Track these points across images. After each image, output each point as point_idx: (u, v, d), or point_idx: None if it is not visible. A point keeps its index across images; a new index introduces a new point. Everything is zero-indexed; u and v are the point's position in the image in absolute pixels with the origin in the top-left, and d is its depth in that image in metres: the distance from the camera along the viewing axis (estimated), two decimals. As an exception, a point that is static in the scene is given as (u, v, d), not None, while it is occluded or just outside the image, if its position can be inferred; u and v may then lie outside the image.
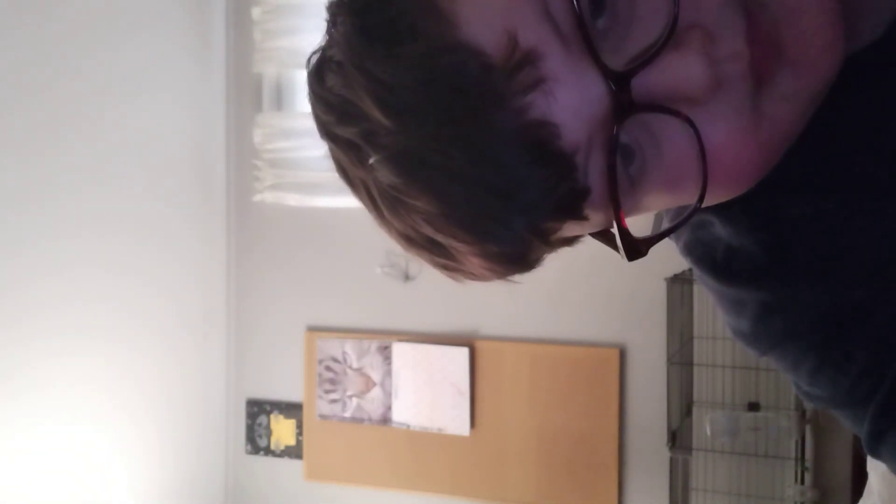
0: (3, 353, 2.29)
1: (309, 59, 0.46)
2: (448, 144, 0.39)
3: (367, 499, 3.01)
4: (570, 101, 0.39)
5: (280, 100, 3.16)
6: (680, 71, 0.39)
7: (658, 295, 2.43)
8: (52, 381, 2.43)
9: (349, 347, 2.99)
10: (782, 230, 0.52)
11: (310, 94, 0.46)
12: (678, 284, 2.36)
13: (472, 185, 0.40)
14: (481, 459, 2.84)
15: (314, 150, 2.93)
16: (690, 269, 0.59)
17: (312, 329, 3.06)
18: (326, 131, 0.45)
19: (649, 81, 0.39)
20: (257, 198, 3.05)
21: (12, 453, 2.32)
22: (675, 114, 0.40)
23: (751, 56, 0.40)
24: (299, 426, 3.09)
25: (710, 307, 2.34)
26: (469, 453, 2.85)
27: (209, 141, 3.10)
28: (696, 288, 2.38)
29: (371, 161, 0.42)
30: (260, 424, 3.15)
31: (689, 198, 0.43)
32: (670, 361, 2.39)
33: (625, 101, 0.39)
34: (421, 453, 2.91)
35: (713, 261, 0.57)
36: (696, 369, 2.44)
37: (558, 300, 2.69)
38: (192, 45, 3.03)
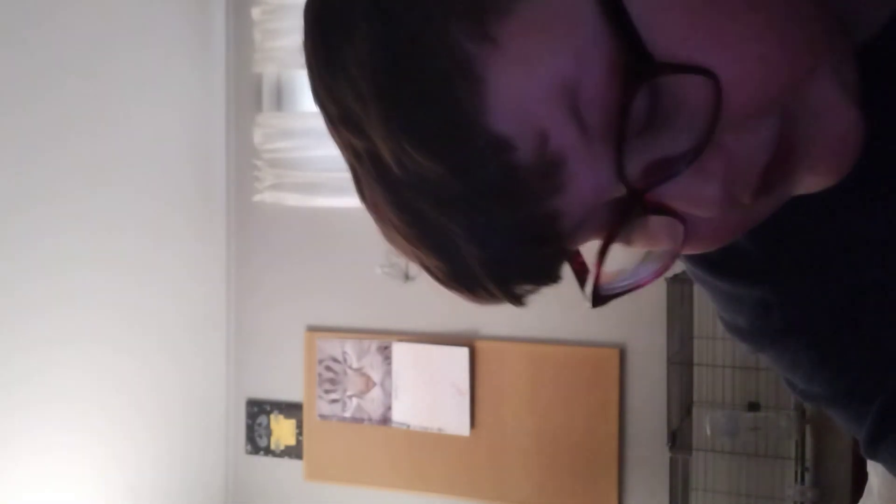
0: (2, 354, 2.29)
1: (308, 32, 0.44)
2: (450, 219, 0.40)
3: (367, 499, 3.01)
4: (582, 198, 0.39)
5: (280, 100, 3.16)
6: (696, 194, 0.40)
7: (658, 295, 2.43)
8: (52, 381, 2.43)
9: (349, 347, 2.99)
10: (779, 225, 0.52)
11: (312, 73, 0.44)
12: (678, 284, 2.36)
13: (463, 257, 0.41)
14: (481, 459, 2.84)
15: (314, 150, 2.93)
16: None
17: (312, 329, 3.06)
18: (329, 120, 0.44)
19: (664, 193, 0.40)
20: (257, 198, 3.05)
21: (13, 453, 2.32)
22: (675, 216, 0.41)
23: (760, 180, 0.41)
24: (299, 426, 3.09)
25: (710, 307, 2.33)
26: (469, 453, 2.85)
27: (209, 141, 3.10)
28: (696, 288, 2.37)
29: (376, 185, 0.42)
30: (260, 424, 3.15)
31: (662, 248, 0.45)
32: (670, 361, 2.39)
33: (636, 209, 0.40)
34: (421, 453, 2.91)
35: (709, 256, 0.57)
36: (696, 369, 2.44)
37: (558, 300, 2.68)
38: (192, 45, 3.03)
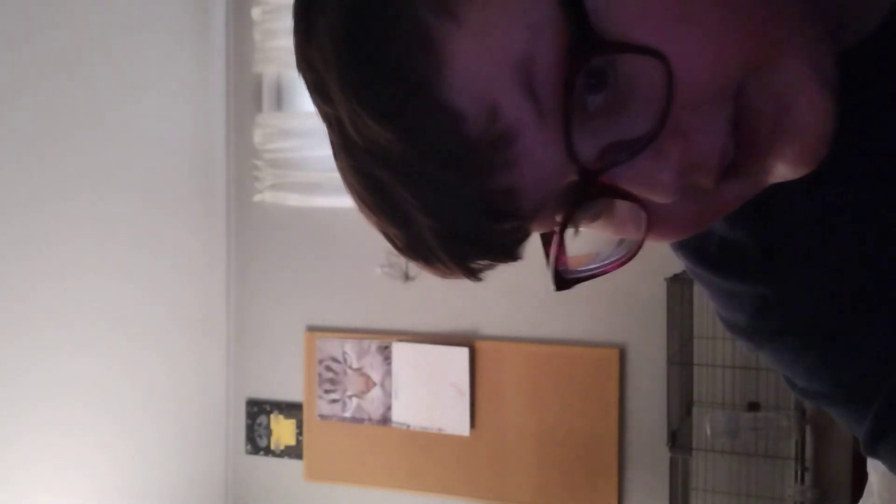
0: (3, 354, 2.29)
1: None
2: (403, 187, 0.40)
3: (367, 499, 3.01)
4: (537, 176, 0.40)
5: (280, 100, 3.17)
6: (651, 178, 0.39)
7: (658, 295, 2.43)
8: (52, 381, 2.43)
9: (349, 347, 2.99)
10: (779, 223, 0.52)
11: (295, 44, 0.45)
12: (678, 284, 2.36)
13: (419, 227, 0.42)
14: (481, 459, 2.84)
15: (314, 150, 2.93)
16: (690, 268, 0.59)
17: (312, 329, 3.06)
18: (308, 89, 0.45)
19: (619, 176, 0.40)
20: (257, 198, 3.05)
21: (13, 453, 2.32)
22: (633, 200, 0.41)
23: (721, 164, 0.40)
24: (299, 426, 3.09)
25: (710, 307, 2.33)
26: (469, 453, 2.85)
27: (209, 141, 3.10)
28: (696, 288, 2.38)
29: (341, 151, 0.43)
30: (260, 424, 3.15)
31: (629, 237, 0.45)
32: (670, 361, 2.39)
33: (590, 191, 0.40)
34: (421, 453, 2.91)
35: (707, 253, 0.57)
36: (696, 369, 2.45)
37: (558, 300, 2.69)
38: (192, 45, 3.03)
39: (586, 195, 0.40)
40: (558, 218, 0.42)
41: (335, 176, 0.47)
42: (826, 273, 0.52)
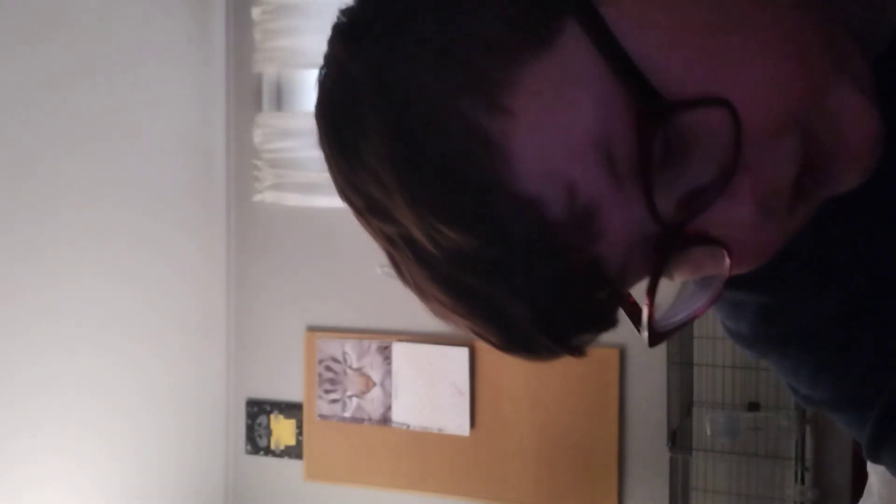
0: (3, 353, 2.29)
1: (322, 111, 0.45)
2: (494, 286, 0.40)
3: (367, 499, 3.01)
4: (622, 240, 0.40)
5: (280, 100, 3.16)
6: (729, 218, 0.40)
7: (658, 295, 2.43)
8: (53, 381, 2.43)
9: (349, 347, 2.99)
10: None
11: (333, 171, 0.45)
12: (678, 284, 2.36)
13: (515, 321, 0.41)
14: (481, 459, 2.84)
15: (314, 150, 2.90)
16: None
17: (312, 329, 3.06)
18: (357, 212, 0.45)
19: (699, 225, 0.40)
20: (257, 198, 3.05)
21: (13, 453, 2.32)
22: (716, 243, 0.41)
23: (794, 189, 0.41)
24: (299, 426, 3.09)
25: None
26: (469, 453, 2.85)
27: (209, 141, 3.10)
28: (696, 288, 2.37)
29: (414, 266, 0.43)
30: (260, 424, 3.15)
31: (707, 273, 0.45)
32: (670, 361, 2.39)
33: (676, 244, 0.40)
34: (421, 453, 2.91)
35: None
36: (696, 369, 2.44)
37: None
38: (192, 45, 3.03)
39: (672, 248, 0.40)
40: (645, 275, 0.42)
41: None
42: (828, 280, 0.52)
